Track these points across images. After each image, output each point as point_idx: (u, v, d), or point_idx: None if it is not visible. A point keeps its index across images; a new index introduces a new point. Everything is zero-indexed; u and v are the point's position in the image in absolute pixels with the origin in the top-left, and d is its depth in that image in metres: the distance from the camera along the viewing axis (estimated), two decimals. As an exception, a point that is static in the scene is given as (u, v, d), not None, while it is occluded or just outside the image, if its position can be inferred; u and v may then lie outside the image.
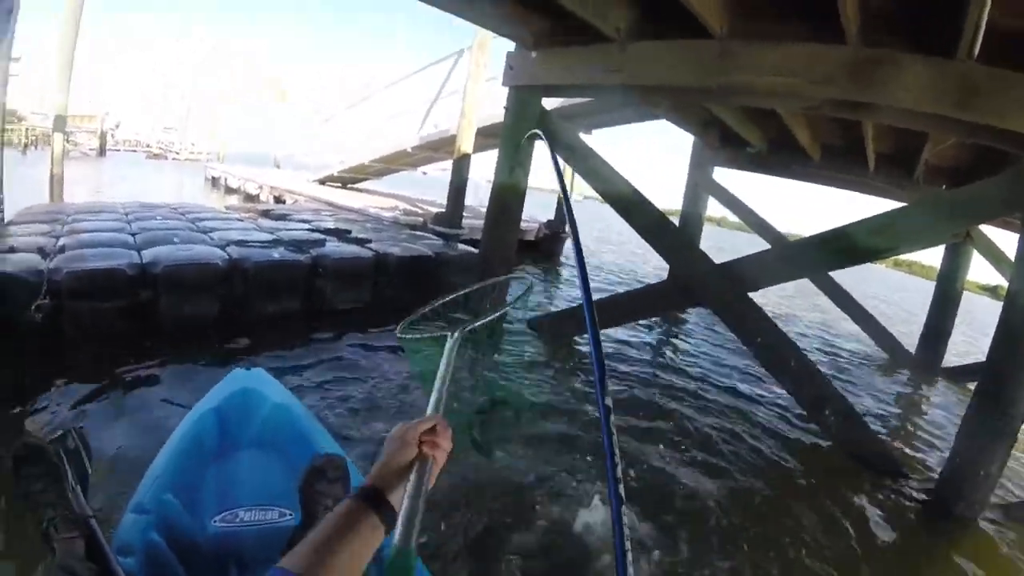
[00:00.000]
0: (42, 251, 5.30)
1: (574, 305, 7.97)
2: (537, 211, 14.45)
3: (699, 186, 11.05)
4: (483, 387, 5.06)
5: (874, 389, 7.80)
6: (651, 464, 4.22)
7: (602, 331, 6.83)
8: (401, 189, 18.24)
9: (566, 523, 3.37)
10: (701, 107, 8.47)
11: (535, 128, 5.86)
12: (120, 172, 26.45)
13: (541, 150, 6.71)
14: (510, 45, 6.69)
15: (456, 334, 1.64)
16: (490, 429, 4.45)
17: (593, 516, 3.39)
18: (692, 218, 11.31)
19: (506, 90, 6.87)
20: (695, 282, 5.79)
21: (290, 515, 2.01)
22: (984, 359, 4.52)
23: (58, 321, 4.68)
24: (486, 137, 11.13)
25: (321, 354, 5.36)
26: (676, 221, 8.44)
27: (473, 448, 4.01)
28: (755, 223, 11.02)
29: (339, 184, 17.33)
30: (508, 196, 6.74)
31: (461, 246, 8.79)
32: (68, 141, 12.23)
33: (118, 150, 43.26)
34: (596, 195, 6.69)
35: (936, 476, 4.74)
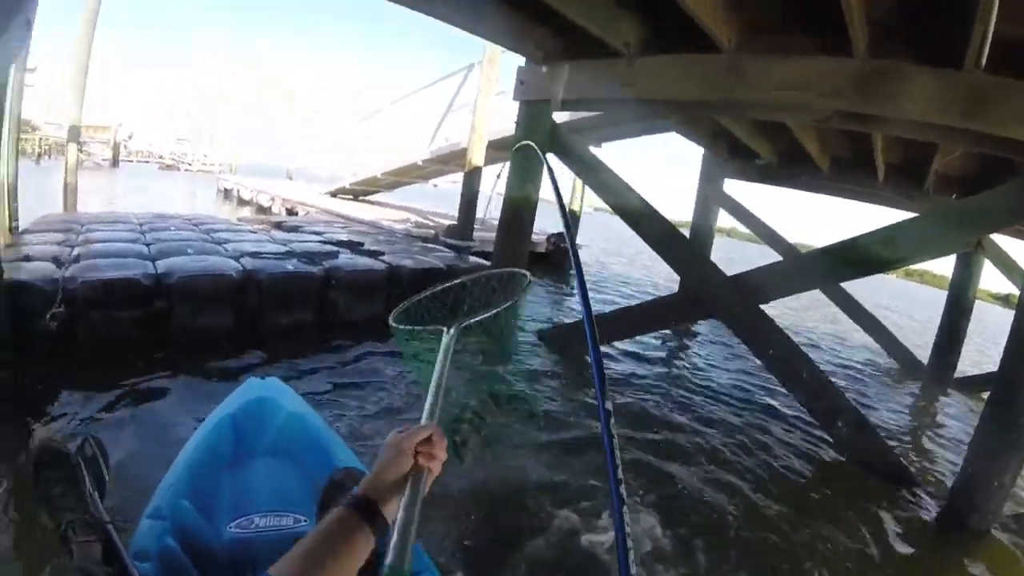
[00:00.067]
0: (57, 260, 5.36)
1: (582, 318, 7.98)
2: (546, 223, 14.45)
3: (709, 198, 11.04)
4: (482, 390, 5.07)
5: (886, 400, 7.76)
6: (666, 477, 4.22)
7: (614, 344, 6.89)
8: (412, 201, 18.28)
9: (572, 527, 3.38)
10: (710, 120, 8.48)
11: (546, 142, 5.91)
12: (133, 183, 26.64)
13: (552, 163, 6.75)
14: (520, 59, 6.74)
15: (452, 330, 1.59)
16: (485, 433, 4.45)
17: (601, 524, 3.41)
18: (702, 230, 11.30)
19: (516, 104, 6.91)
20: (706, 294, 5.78)
21: (305, 521, 2.02)
22: (997, 369, 4.50)
23: (72, 329, 4.74)
24: (497, 150, 11.18)
25: (334, 365, 5.39)
26: (686, 233, 8.45)
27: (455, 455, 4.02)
28: (765, 234, 11.00)
29: (351, 196, 17.42)
30: (520, 208, 6.76)
31: (473, 258, 8.82)
32: (82, 151, 12.31)
33: (131, 161, 43.54)
34: (606, 207, 6.70)
35: (949, 487, 4.69)
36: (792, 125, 6.65)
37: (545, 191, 7.10)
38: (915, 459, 5.64)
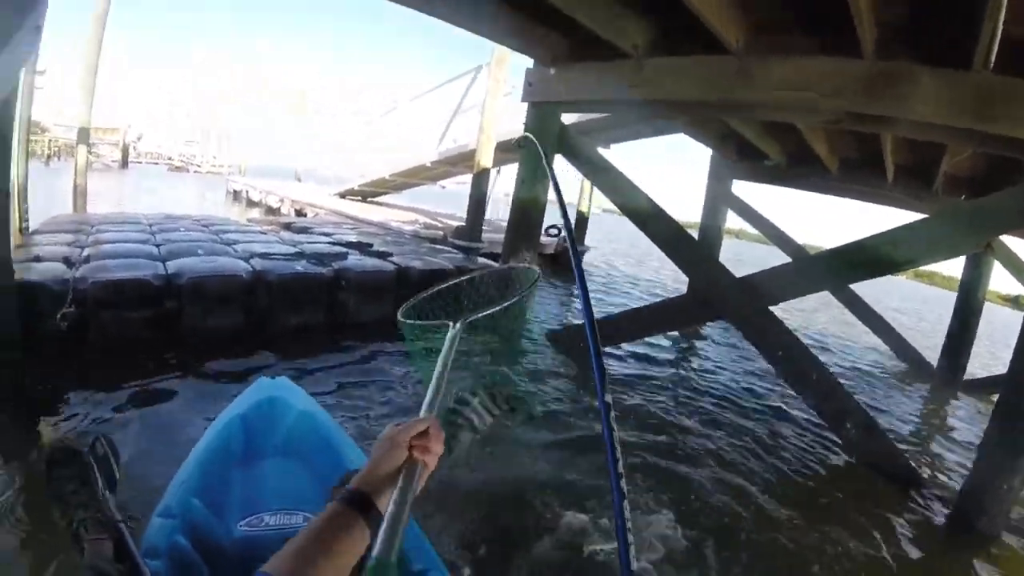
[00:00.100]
0: (67, 260, 5.40)
1: (596, 319, 7.98)
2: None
3: (717, 199, 11.01)
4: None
5: (895, 402, 7.74)
6: (676, 478, 4.22)
7: (622, 345, 6.88)
8: (420, 203, 18.31)
9: (579, 526, 3.39)
10: (719, 121, 8.47)
11: (554, 143, 5.91)
12: (142, 184, 26.81)
13: (561, 164, 6.75)
14: (528, 60, 6.75)
15: (458, 324, 1.59)
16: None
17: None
18: (711, 231, 11.22)
19: (524, 105, 6.92)
20: (715, 295, 5.77)
21: None
22: (1006, 371, 4.48)
23: (83, 329, 4.76)
24: (504, 152, 11.19)
25: (344, 365, 5.41)
26: (695, 234, 8.44)
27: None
28: (774, 235, 10.99)
29: (359, 198, 17.46)
30: (528, 209, 6.76)
31: (481, 259, 8.82)
32: (91, 153, 12.38)
33: (140, 162, 43.76)
34: (614, 209, 6.70)
35: (958, 491, 4.66)
36: (801, 126, 6.65)
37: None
38: (924, 462, 5.63)
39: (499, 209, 14.29)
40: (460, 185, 15.51)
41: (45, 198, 10.11)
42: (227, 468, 2.28)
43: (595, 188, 13.47)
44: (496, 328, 1.75)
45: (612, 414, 0.97)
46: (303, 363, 5.27)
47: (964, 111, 3.98)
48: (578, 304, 10.78)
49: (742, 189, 11.14)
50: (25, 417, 3.69)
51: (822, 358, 5.62)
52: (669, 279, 16.32)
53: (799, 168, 9.43)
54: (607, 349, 7.05)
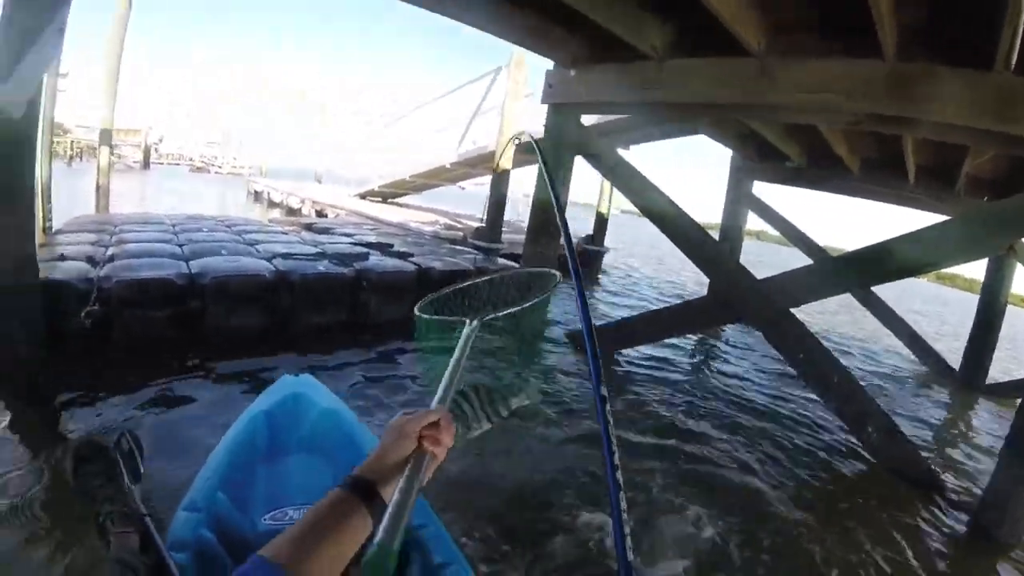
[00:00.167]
0: (91, 259, 5.48)
1: (614, 320, 7.96)
2: (577, 226, 14.41)
3: (738, 200, 10.97)
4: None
5: (916, 405, 7.67)
6: (697, 481, 4.20)
7: (639, 348, 6.87)
8: (438, 203, 18.36)
9: (594, 523, 3.39)
10: (739, 122, 8.44)
11: (574, 145, 5.92)
12: (164, 184, 27.06)
13: (582, 166, 6.77)
14: (547, 62, 6.76)
15: (475, 322, 1.59)
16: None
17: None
18: (732, 232, 11.22)
19: (544, 106, 6.93)
20: (736, 297, 5.75)
21: None
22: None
23: (106, 327, 4.82)
24: (524, 153, 11.20)
25: (365, 364, 5.45)
26: (715, 235, 8.40)
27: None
28: (795, 237, 10.91)
29: (380, 199, 17.54)
30: (548, 211, 6.76)
31: (501, 260, 8.84)
32: (113, 154, 12.52)
33: (161, 163, 44.19)
34: (632, 209, 6.70)
35: (979, 497, 4.61)
36: (821, 127, 6.61)
37: (575, 193, 7.12)
38: (945, 466, 5.57)
39: (518, 210, 14.31)
40: (479, 186, 15.55)
41: (68, 198, 10.23)
42: (252, 463, 2.31)
43: (615, 189, 13.45)
44: (518, 325, 1.75)
45: (608, 407, 0.98)
46: (325, 361, 5.32)
47: (985, 112, 3.93)
48: (599, 306, 10.81)
49: (763, 190, 11.12)
50: (49, 413, 3.74)
51: (843, 361, 5.57)
52: (690, 281, 16.27)
53: (820, 169, 9.38)
54: (626, 351, 7.06)
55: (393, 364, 5.51)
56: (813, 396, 6.08)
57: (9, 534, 2.58)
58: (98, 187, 11.24)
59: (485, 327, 1.64)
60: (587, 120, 7.01)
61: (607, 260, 15.60)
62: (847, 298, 9.83)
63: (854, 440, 5.32)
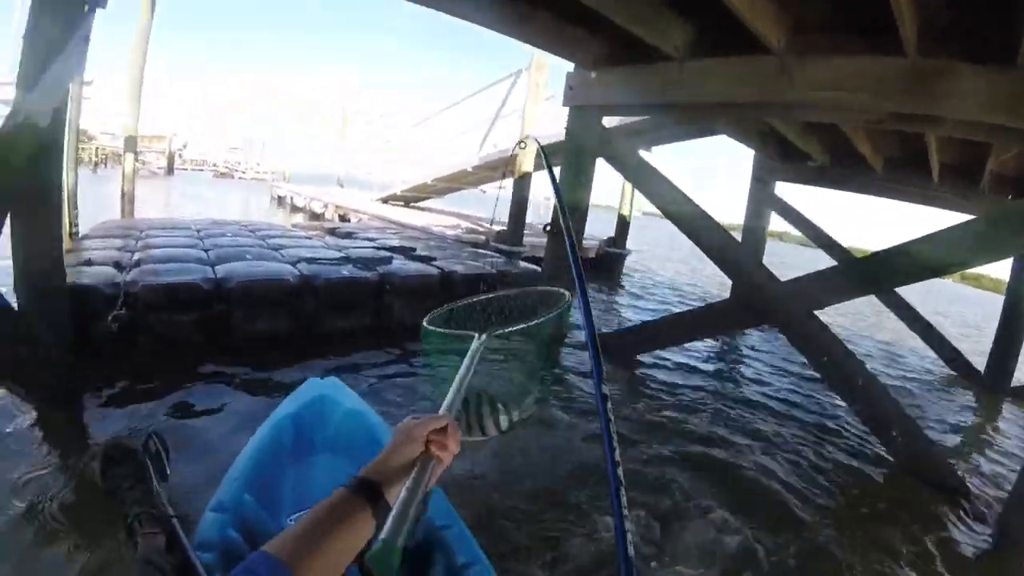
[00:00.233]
0: (118, 264, 5.53)
1: (638, 322, 7.95)
2: (596, 228, 14.39)
3: (761, 201, 10.91)
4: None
5: (940, 408, 7.56)
6: (718, 484, 4.16)
7: (660, 352, 6.85)
8: (458, 207, 18.42)
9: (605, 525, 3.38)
10: (760, 121, 8.40)
11: (596, 147, 5.91)
12: (188, 190, 27.28)
13: (603, 168, 6.76)
14: (568, 64, 6.76)
15: (483, 336, 1.62)
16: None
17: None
18: (754, 233, 11.13)
19: (565, 108, 6.93)
20: (759, 300, 5.69)
21: None
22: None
23: (133, 331, 4.87)
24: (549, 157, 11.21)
25: (388, 366, 5.48)
26: (737, 236, 8.35)
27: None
28: (818, 238, 10.80)
29: (402, 203, 17.64)
30: (570, 214, 6.71)
31: (523, 263, 8.84)
32: (138, 160, 12.68)
33: (185, 169, 44.60)
34: (653, 211, 6.69)
35: (1003, 502, 4.52)
36: (843, 126, 6.57)
37: (596, 196, 7.11)
38: (969, 471, 5.50)
39: (539, 212, 14.32)
40: (501, 189, 15.61)
41: (94, 204, 10.34)
42: (278, 464, 2.34)
43: (636, 192, 13.41)
44: (531, 338, 1.77)
45: (608, 405, 0.99)
46: (349, 364, 5.36)
47: (1008, 108, 3.87)
48: (622, 310, 10.80)
49: (785, 191, 11.05)
50: (75, 415, 3.80)
51: (866, 364, 5.52)
52: (713, 284, 16.17)
53: (843, 168, 9.32)
54: (655, 353, 7.04)
55: (416, 367, 5.53)
56: (837, 399, 6.04)
57: (33, 534, 2.61)
58: (123, 193, 11.34)
59: (493, 341, 1.67)
60: (608, 122, 6.99)
61: (628, 262, 15.55)
62: (870, 299, 9.74)
63: (878, 444, 5.27)
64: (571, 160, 6.70)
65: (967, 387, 8.95)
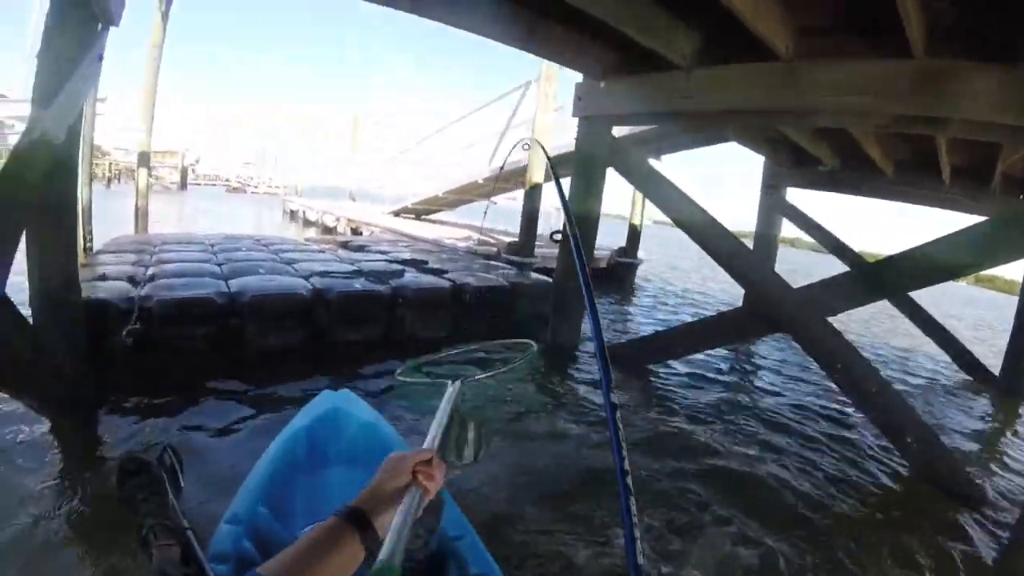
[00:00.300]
0: (132, 279, 5.59)
1: (650, 332, 7.94)
2: (608, 240, 14.37)
3: (772, 208, 10.87)
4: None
5: (955, 414, 7.47)
6: (733, 492, 4.16)
7: (671, 361, 6.82)
8: (469, 219, 18.46)
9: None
10: (770, 128, 8.38)
11: (606, 157, 5.92)
12: (201, 205, 27.55)
13: (613, 177, 6.77)
14: (577, 75, 6.78)
15: (457, 383, 1.71)
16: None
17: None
18: (766, 240, 11.12)
19: (574, 119, 6.94)
20: (771, 307, 5.67)
21: None
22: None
23: (147, 345, 4.89)
24: (556, 166, 11.23)
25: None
26: (748, 243, 8.32)
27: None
28: (830, 243, 10.74)
29: (413, 216, 17.71)
30: (581, 225, 6.73)
31: (535, 275, 8.84)
32: (151, 176, 12.82)
33: (198, 184, 45.10)
34: (665, 220, 6.68)
35: (1022, 507, 4.47)
36: (852, 130, 6.56)
37: (608, 205, 7.11)
38: (986, 477, 5.44)
39: (550, 222, 14.33)
40: (511, 201, 15.64)
41: (107, 219, 10.45)
42: (292, 476, 2.36)
43: (647, 200, 13.40)
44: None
45: (618, 414, 1.00)
46: (361, 376, 5.38)
47: (1019, 109, 3.85)
48: (634, 320, 10.78)
49: (796, 196, 11.02)
50: (91, 428, 3.84)
51: (880, 369, 5.48)
52: (726, 294, 16.10)
53: (853, 172, 9.29)
54: (665, 364, 7.02)
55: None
56: (851, 407, 6.01)
57: (43, 544, 2.64)
58: (137, 208, 11.46)
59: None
60: (617, 131, 7.00)
61: (641, 271, 15.54)
62: (884, 304, 9.69)
63: (893, 451, 5.23)
64: (581, 170, 6.72)
65: (983, 391, 8.85)
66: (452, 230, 15.34)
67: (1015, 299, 9.50)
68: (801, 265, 24.31)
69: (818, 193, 10.71)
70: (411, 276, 7.21)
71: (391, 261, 8.19)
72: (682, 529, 3.55)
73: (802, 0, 4.40)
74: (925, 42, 4.02)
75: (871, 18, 4.32)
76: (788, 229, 11.37)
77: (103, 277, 5.50)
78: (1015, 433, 7.09)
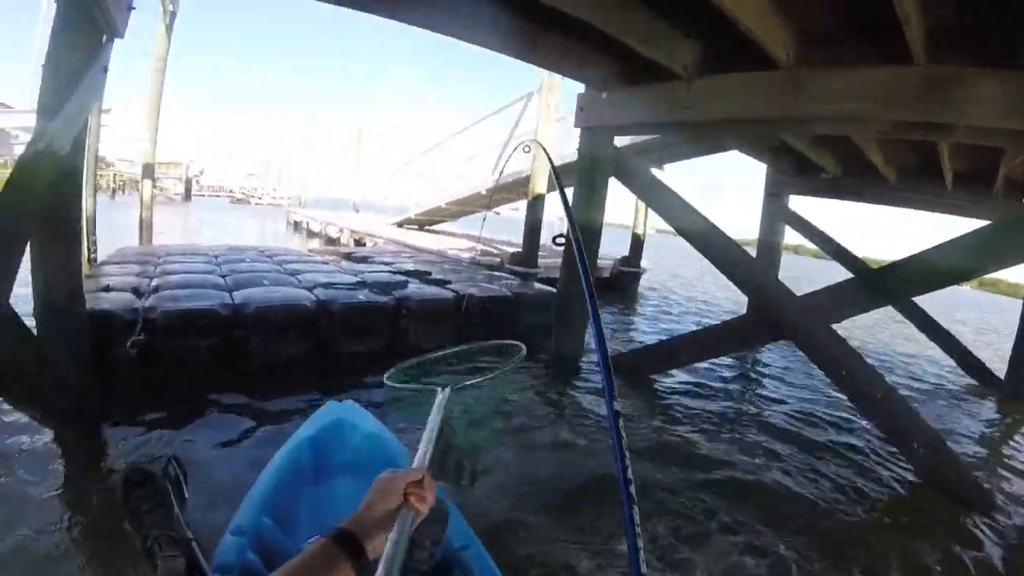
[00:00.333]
0: (136, 290, 5.61)
1: (654, 341, 7.93)
2: (611, 249, 14.36)
3: (774, 215, 10.86)
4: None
5: (961, 418, 7.45)
6: (738, 500, 4.15)
7: (675, 370, 6.81)
8: (472, 230, 18.48)
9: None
10: (772, 136, 8.38)
11: (609, 167, 5.93)
12: (205, 216, 27.64)
13: (616, 186, 6.77)
14: (579, 85, 6.80)
15: (447, 390, 1.69)
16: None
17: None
18: (769, 248, 11.10)
19: (576, 130, 6.95)
20: (775, 315, 5.65)
21: None
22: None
23: (151, 357, 4.90)
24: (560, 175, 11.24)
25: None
26: (751, 252, 8.30)
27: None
28: (833, 250, 10.72)
29: (416, 227, 17.73)
30: (584, 234, 6.70)
31: (538, 285, 8.85)
32: (155, 187, 12.88)
33: (203, 195, 45.23)
34: (667, 228, 6.68)
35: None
36: (855, 137, 6.56)
37: (611, 214, 7.12)
38: (993, 482, 5.42)
39: (553, 233, 14.34)
40: (513, 211, 15.67)
41: (112, 231, 10.47)
42: (297, 487, 2.36)
43: (649, 210, 13.41)
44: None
45: (620, 422, 1.00)
46: (366, 386, 5.33)
47: (1021, 113, 3.87)
48: (637, 329, 10.76)
49: (798, 204, 11.02)
50: (94, 439, 3.84)
51: (885, 375, 5.47)
52: (730, 301, 16.08)
53: (856, 179, 9.30)
54: (668, 373, 7.01)
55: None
56: (856, 414, 5.99)
57: (46, 555, 2.64)
58: (141, 220, 11.50)
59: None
60: (619, 141, 7.00)
61: (645, 280, 15.52)
62: (887, 309, 9.66)
63: (900, 456, 5.22)
64: (584, 180, 6.72)
65: (988, 395, 8.82)
66: (455, 241, 15.37)
67: (1018, 302, 9.50)
68: (804, 272, 24.24)
69: (822, 200, 10.69)
70: (415, 287, 7.23)
71: (394, 272, 8.19)
72: (688, 538, 3.54)
73: (803, 8, 4.41)
74: (925, 44, 4.01)
75: (873, 25, 4.31)
76: (790, 236, 11.37)
77: (107, 288, 5.52)
78: (1022, 436, 7.06)
